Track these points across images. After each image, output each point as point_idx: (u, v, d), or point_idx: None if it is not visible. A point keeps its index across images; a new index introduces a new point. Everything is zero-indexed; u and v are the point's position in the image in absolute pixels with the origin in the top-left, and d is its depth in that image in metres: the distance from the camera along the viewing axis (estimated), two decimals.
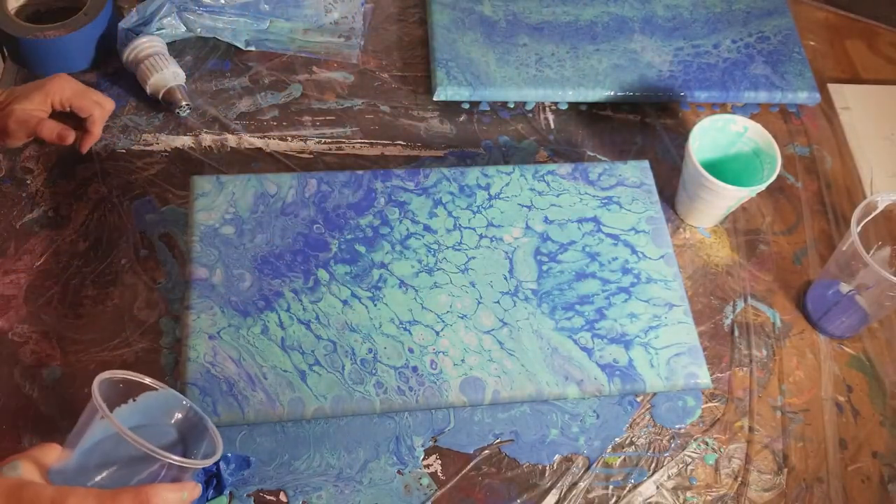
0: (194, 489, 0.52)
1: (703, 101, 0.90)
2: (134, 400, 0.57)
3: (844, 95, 0.94)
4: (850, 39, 1.00)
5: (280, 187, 0.75)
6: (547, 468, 0.68)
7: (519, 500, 0.66)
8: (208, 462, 0.54)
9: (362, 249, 0.73)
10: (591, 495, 0.67)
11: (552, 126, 0.88)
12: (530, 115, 0.89)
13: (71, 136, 0.75)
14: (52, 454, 0.52)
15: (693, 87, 0.89)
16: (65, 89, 0.75)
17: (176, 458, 0.51)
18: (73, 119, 0.77)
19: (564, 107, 0.90)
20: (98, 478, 0.52)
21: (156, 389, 0.58)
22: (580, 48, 0.91)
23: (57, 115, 0.76)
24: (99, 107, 0.77)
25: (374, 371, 0.67)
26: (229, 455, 0.65)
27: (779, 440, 0.71)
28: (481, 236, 0.75)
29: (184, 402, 0.59)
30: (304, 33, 0.92)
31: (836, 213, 0.85)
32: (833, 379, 0.75)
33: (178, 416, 0.59)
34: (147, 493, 0.49)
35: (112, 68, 0.87)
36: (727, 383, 0.74)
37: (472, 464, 0.68)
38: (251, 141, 0.84)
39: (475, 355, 0.68)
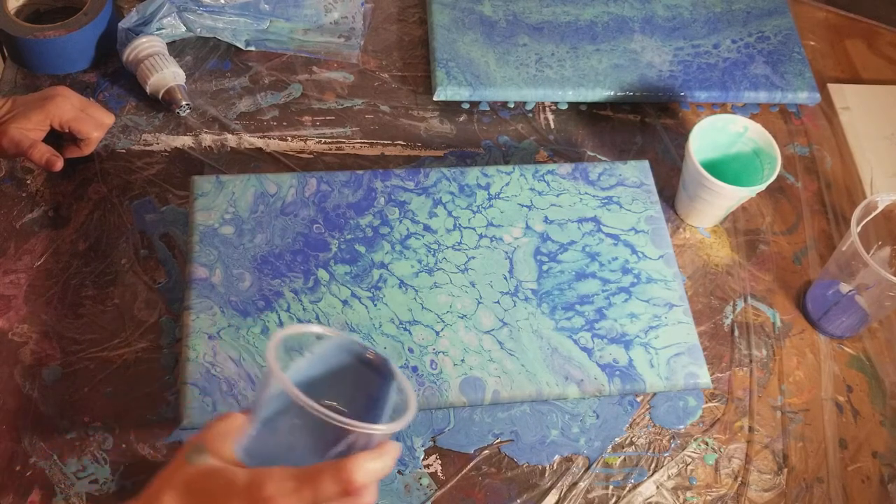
0: (395, 449, 0.46)
1: (703, 101, 0.90)
2: (311, 353, 0.50)
3: (844, 95, 0.94)
4: (850, 39, 1.00)
5: (280, 187, 0.75)
6: (547, 468, 0.68)
7: (519, 500, 0.66)
8: (402, 425, 0.46)
9: (362, 249, 0.73)
10: (591, 495, 0.67)
11: (552, 126, 0.88)
12: (530, 115, 0.89)
13: (59, 164, 0.75)
14: (235, 424, 0.47)
15: (693, 87, 0.89)
16: (65, 111, 0.75)
17: (369, 427, 0.44)
18: (71, 135, 0.77)
19: (564, 107, 0.90)
20: (288, 447, 0.47)
21: (329, 337, 0.50)
22: (580, 48, 0.91)
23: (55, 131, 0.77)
24: (98, 127, 0.77)
25: None
26: None
27: (779, 440, 0.71)
28: (481, 236, 0.75)
29: (362, 347, 0.51)
30: (304, 33, 0.92)
31: (836, 213, 0.85)
32: (833, 379, 0.75)
33: (357, 361, 0.51)
34: (349, 470, 0.44)
35: (112, 68, 0.87)
36: (727, 383, 0.74)
37: (472, 464, 0.68)
38: (251, 141, 0.84)
39: (475, 355, 0.68)
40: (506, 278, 0.73)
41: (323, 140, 0.85)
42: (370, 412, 0.47)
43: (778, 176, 0.76)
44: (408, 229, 0.74)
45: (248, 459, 0.46)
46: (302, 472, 0.44)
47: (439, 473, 0.67)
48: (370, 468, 0.44)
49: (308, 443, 0.46)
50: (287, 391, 0.43)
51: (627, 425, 0.70)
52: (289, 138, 0.85)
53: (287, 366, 0.47)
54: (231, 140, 0.84)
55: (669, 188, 0.84)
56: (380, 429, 0.45)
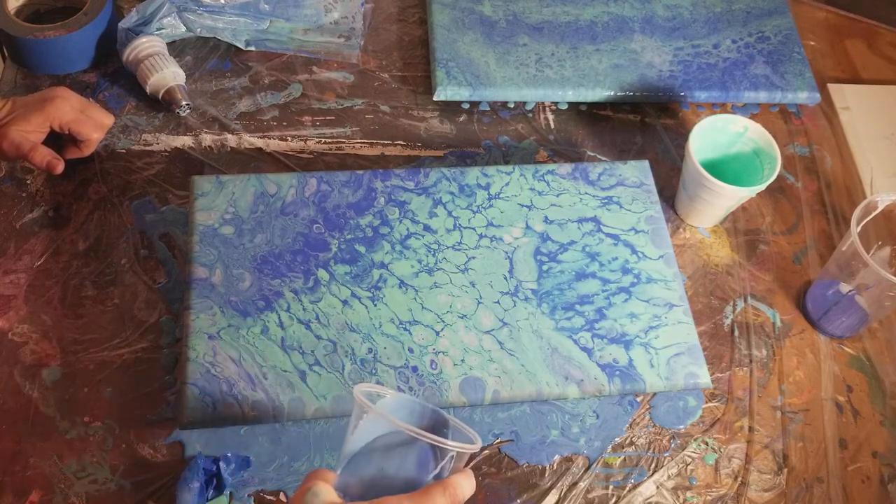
0: (471, 474, 0.52)
1: (703, 101, 0.90)
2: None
3: (844, 95, 0.94)
4: (850, 39, 1.00)
5: (280, 187, 0.75)
6: (547, 468, 0.68)
7: (519, 500, 0.66)
8: (478, 447, 0.52)
9: (362, 249, 0.73)
10: (591, 495, 0.67)
11: (552, 126, 0.88)
12: (530, 115, 0.89)
13: (60, 167, 0.75)
14: (329, 477, 0.50)
15: (693, 87, 0.89)
16: (65, 113, 0.75)
17: (462, 446, 0.50)
18: (72, 136, 0.77)
19: (564, 107, 0.90)
20: (380, 476, 0.51)
21: (388, 398, 0.55)
22: (580, 48, 0.91)
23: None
24: (98, 129, 0.77)
25: (374, 371, 0.67)
26: (229, 455, 0.65)
27: (779, 440, 0.71)
28: (481, 236, 0.75)
29: (420, 405, 0.55)
30: (304, 33, 0.92)
31: (836, 213, 0.85)
32: (833, 379, 0.75)
33: (417, 419, 0.55)
34: (454, 486, 0.49)
35: (112, 68, 0.87)
36: (727, 383, 0.74)
37: (472, 464, 0.67)
38: (251, 141, 0.84)
39: (475, 355, 0.68)
40: (506, 278, 0.73)
41: (323, 140, 0.85)
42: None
43: (778, 176, 0.76)
44: (408, 229, 0.74)
45: (348, 496, 0.50)
46: (413, 495, 0.48)
47: None
48: (466, 485, 0.50)
49: (402, 470, 0.51)
50: (391, 422, 0.49)
51: (627, 425, 0.70)
52: (289, 138, 0.85)
53: (357, 424, 0.51)
54: (231, 140, 0.84)
55: (669, 188, 0.84)
56: (471, 447, 0.51)
